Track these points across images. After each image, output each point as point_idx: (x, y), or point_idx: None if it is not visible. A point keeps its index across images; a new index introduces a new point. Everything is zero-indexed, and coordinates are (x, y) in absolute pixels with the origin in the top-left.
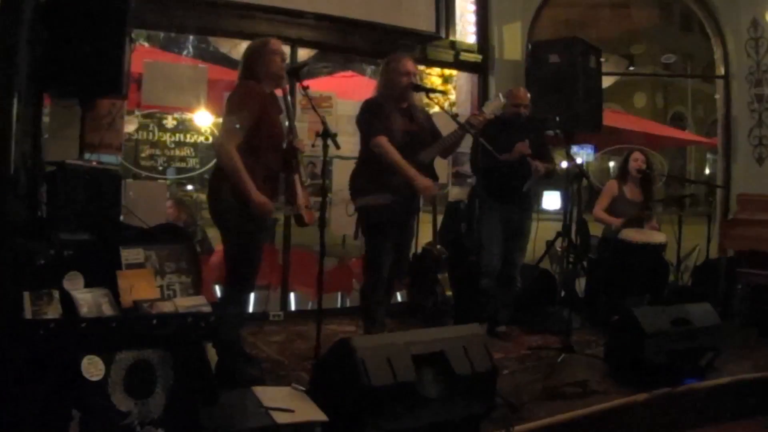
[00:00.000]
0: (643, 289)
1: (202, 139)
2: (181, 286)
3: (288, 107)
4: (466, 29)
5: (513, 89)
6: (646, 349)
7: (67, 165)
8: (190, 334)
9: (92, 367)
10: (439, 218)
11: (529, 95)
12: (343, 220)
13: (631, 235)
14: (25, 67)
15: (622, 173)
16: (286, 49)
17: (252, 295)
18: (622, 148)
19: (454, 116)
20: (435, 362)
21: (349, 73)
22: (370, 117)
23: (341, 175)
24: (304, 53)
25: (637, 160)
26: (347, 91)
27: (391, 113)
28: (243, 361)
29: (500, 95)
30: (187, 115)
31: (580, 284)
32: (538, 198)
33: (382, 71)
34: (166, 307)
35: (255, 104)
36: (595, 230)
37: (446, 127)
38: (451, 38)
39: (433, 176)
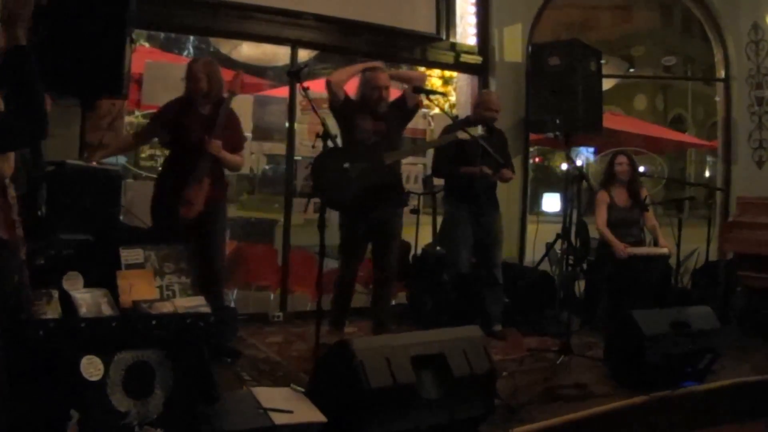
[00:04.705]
0: (649, 302)
1: None
2: (181, 286)
3: (221, 114)
4: (466, 31)
5: (485, 93)
6: (645, 351)
7: (67, 165)
8: (189, 334)
9: (91, 367)
10: (439, 220)
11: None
12: None
13: (636, 250)
14: None
15: (609, 178)
16: (286, 50)
17: (251, 296)
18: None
19: (454, 118)
20: (434, 364)
21: None
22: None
23: None
24: (304, 54)
25: (621, 164)
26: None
27: (364, 113)
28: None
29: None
30: None
31: (580, 286)
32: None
33: (360, 77)
34: (166, 307)
35: (164, 121)
36: (595, 232)
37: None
38: (452, 40)
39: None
